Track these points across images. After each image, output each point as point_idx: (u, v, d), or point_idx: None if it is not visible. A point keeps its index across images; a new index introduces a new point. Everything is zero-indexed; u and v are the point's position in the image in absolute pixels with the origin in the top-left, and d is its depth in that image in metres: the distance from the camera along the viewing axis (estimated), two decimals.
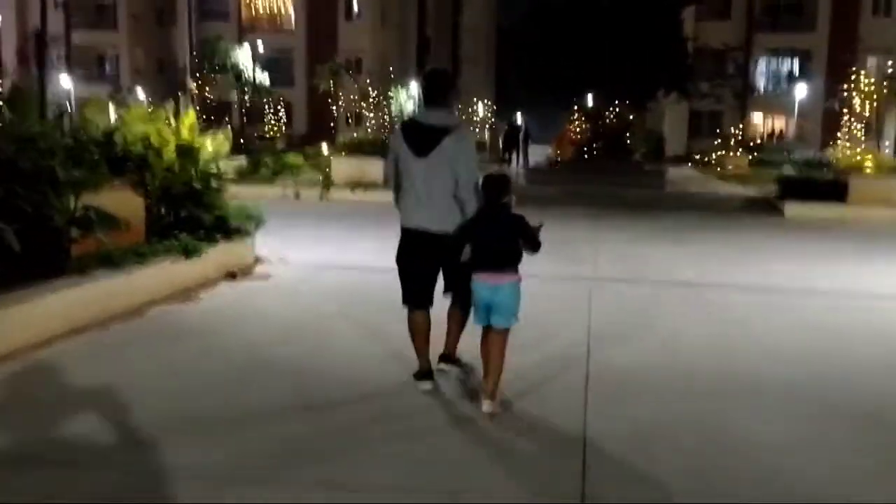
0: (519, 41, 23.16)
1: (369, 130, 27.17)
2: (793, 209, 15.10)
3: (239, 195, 16.26)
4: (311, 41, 42.77)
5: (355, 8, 44.62)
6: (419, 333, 4.59)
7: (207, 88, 22.42)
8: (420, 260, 4.53)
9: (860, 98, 15.12)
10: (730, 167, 31.40)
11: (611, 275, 8.54)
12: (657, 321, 6.50)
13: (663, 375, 5.03)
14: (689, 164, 32.84)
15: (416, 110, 5.98)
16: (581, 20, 19.85)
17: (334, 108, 33.43)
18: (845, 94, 16.97)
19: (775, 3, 42.20)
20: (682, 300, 7.39)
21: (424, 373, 4.60)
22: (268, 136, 36.94)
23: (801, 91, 40.11)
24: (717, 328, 6.31)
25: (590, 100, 21.93)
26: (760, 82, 42.97)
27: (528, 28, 22.26)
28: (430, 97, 4.41)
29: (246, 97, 20.22)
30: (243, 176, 17.11)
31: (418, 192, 4.38)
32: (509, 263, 4.16)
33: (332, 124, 36.49)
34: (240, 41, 37.91)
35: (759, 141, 37.02)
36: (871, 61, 40.51)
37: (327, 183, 16.75)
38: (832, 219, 14.47)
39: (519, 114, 32.75)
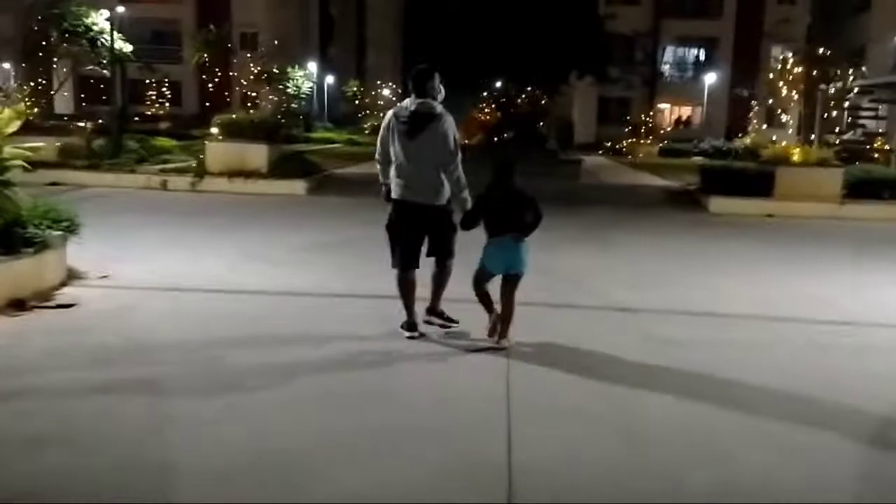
0: (426, 22, 21.24)
1: (254, 111, 24.71)
2: (718, 204, 13.91)
3: (93, 184, 14.36)
4: (202, 13, 39.41)
5: None
6: (410, 291, 5.36)
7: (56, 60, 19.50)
8: (411, 227, 5.25)
9: (784, 85, 14.08)
10: (640, 155, 30.72)
11: (530, 296, 6.82)
12: (598, 381, 4.77)
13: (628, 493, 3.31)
14: (600, 152, 31.88)
15: (407, 99, 5.40)
16: (491, 2, 18.20)
17: (226, 86, 30.64)
18: (763, 81, 15.91)
19: None
20: (622, 334, 5.73)
21: (411, 324, 5.36)
22: (150, 115, 33.87)
23: (708, 79, 39.96)
24: (680, 385, 4.65)
25: (499, 83, 20.30)
26: (667, 69, 42.62)
27: (435, 8, 20.44)
28: (419, 90, 5.16)
29: (105, 71, 17.52)
30: (96, 164, 14.58)
31: (410, 169, 5.13)
32: (519, 229, 5.09)
33: (228, 104, 33.75)
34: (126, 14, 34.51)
35: (668, 129, 36.52)
36: (776, 50, 40.88)
37: (200, 171, 14.46)
38: (760, 215, 13.37)
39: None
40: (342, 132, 35.34)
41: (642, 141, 31.82)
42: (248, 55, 33.22)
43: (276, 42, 34.09)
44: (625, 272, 8.16)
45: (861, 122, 30.93)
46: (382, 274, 7.50)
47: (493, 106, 19.82)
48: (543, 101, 19.35)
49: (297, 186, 14.46)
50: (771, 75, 14.39)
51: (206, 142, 15.44)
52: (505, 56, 17.44)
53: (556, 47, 17.55)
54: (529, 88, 18.86)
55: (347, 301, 6.46)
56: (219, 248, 8.67)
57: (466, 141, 23.06)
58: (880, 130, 28.80)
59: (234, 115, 16.24)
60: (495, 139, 19.91)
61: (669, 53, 42.71)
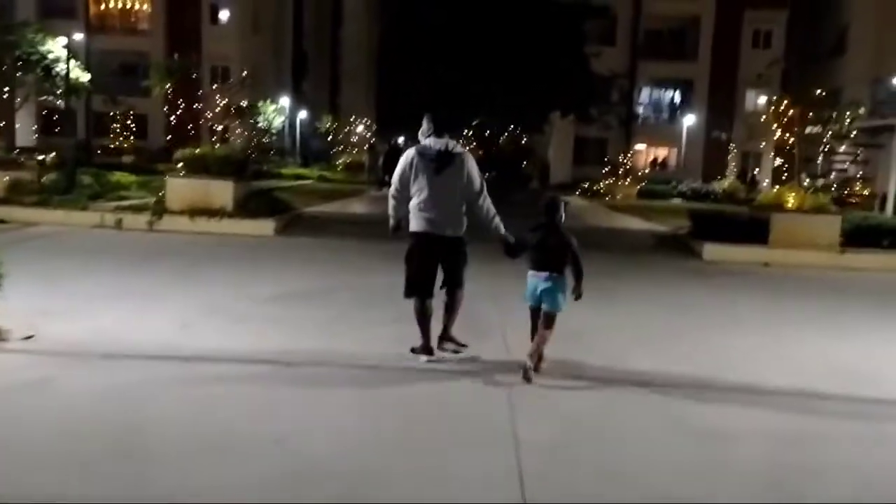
0: (403, 57, 20.41)
1: (223, 145, 23.68)
2: (711, 251, 13.16)
3: (41, 222, 13.14)
4: (171, 45, 38.44)
5: (223, 12, 40.67)
6: (428, 320, 5.71)
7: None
8: (432, 258, 5.65)
9: (778, 127, 13.51)
10: (619, 196, 30.17)
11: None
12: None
13: None
14: (577, 192, 31.30)
15: (425, 138, 5.57)
16: (471, 39, 17.46)
17: (193, 119, 29.61)
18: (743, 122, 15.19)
19: (658, 31, 41.96)
20: (651, 421, 4.81)
21: (429, 349, 5.72)
22: (113, 149, 32.68)
23: (684, 121, 39.85)
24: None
25: (479, 122, 19.54)
26: (644, 111, 42.52)
27: (413, 43, 19.62)
28: (439, 130, 5.74)
29: (60, 101, 16.45)
30: (46, 200, 13.42)
31: (436, 203, 5.58)
32: (555, 269, 5.43)
33: (196, 138, 32.67)
34: (86, 42, 33.50)
35: (646, 171, 36.17)
36: (750, 94, 41.05)
37: (159, 209, 13.39)
38: (756, 263, 12.66)
39: (401, 137, 30.20)
40: (314, 169, 34.42)
41: (620, 182, 31.31)
42: (215, 87, 32.16)
43: (245, 74, 33.14)
44: (634, 330, 7.28)
45: (839, 166, 30.82)
46: (361, 332, 6.60)
47: (474, 144, 18.95)
48: (524, 141, 18.58)
49: (266, 226, 13.46)
50: (763, 118, 13.79)
51: (166, 177, 14.38)
52: (487, 93, 16.70)
53: (541, 85, 16.86)
54: (512, 127, 18.08)
55: (322, 373, 5.45)
56: (173, 299, 7.63)
57: None
58: (858, 175, 28.65)
59: (198, 150, 15.21)
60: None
61: (646, 95, 42.65)
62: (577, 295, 5.46)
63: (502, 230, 5.74)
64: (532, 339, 5.49)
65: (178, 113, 32.97)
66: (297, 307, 7.56)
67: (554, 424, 4.55)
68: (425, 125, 5.78)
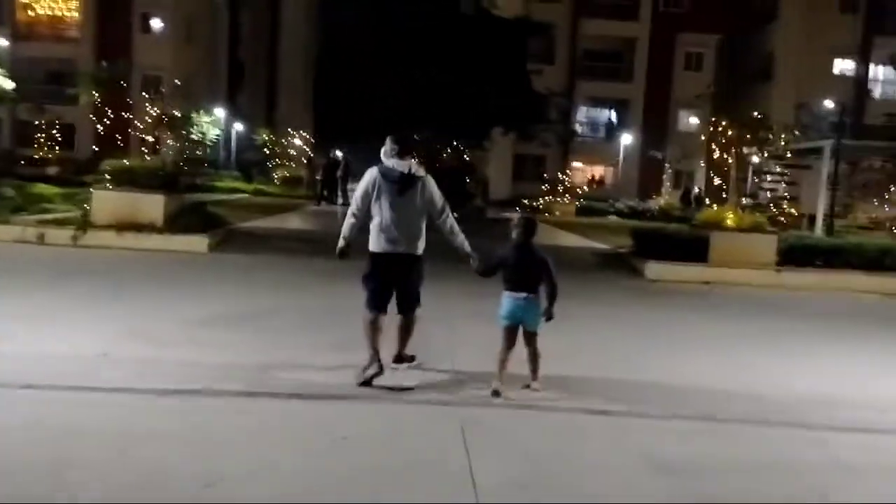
0: (343, 71, 20.03)
1: (155, 157, 22.80)
2: (654, 269, 13.16)
3: None
4: (101, 53, 37.07)
5: (155, 21, 39.53)
6: (379, 332, 5.68)
7: None
8: (391, 276, 5.72)
9: (717, 148, 13.69)
10: (558, 213, 30.34)
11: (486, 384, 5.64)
12: None
13: None
14: (517, 209, 31.30)
15: (384, 159, 5.75)
16: (412, 53, 17.20)
17: (123, 129, 28.50)
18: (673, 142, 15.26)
19: (596, 51, 42.66)
20: (613, 453, 4.57)
21: (378, 364, 5.55)
22: (38, 159, 31.26)
23: (621, 139, 40.54)
24: None
25: (421, 137, 19.25)
26: (582, 129, 43.07)
27: (353, 57, 19.27)
28: (402, 151, 5.78)
29: None
30: None
31: (398, 223, 5.66)
32: (533, 289, 5.56)
33: (125, 149, 31.49)
34: (11, 49, 32.05)
35: (584, 188, 36.54)
36: (683, 115, 42.04)
37: (84, 223, 12.66)
38: (697, 281, 12.71)
39: (339, 150, 29.68)
40: (250, 182, 33.58)
41: (559, 199, 31.52)
42: (145, 95, 31.01)
43: (176, 82, 32.14)
44: (590, 354, 7.07)
45: (768, 186, 31.70)
46: (300, 359, 6.08)
47: (416, 161, 18.74)
48: (467, 157, 18.41)
49: (198, 242, 12.85)
50: (703, 137, 13.95)
51: (92, 190, 13.64)
52: (430, 107, 16.45)
53: (484, 101, 16.71)
54: (455, 143, 17.85)
55: (257, 405, 5.03)
56: (96, 321, 7.07)
57: None
58: (786, 195, 29.50)
59: (126, 161, 14.52)
60: None
61: (583, 113, 43.24)
62: (549, 316, 5.54)
63: (468, 248, 5.88)
64: (504, 356, 5.53)
65: (106, 123, 31.75)
66: (228, 331, 7.08)
67: (512, 462, 4.25)
68: (388, 146, 5.81)
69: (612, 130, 42.92)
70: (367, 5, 20.26)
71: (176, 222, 13.27)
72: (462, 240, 5.88)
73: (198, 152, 31.47)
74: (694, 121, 42.16)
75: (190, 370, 5.66)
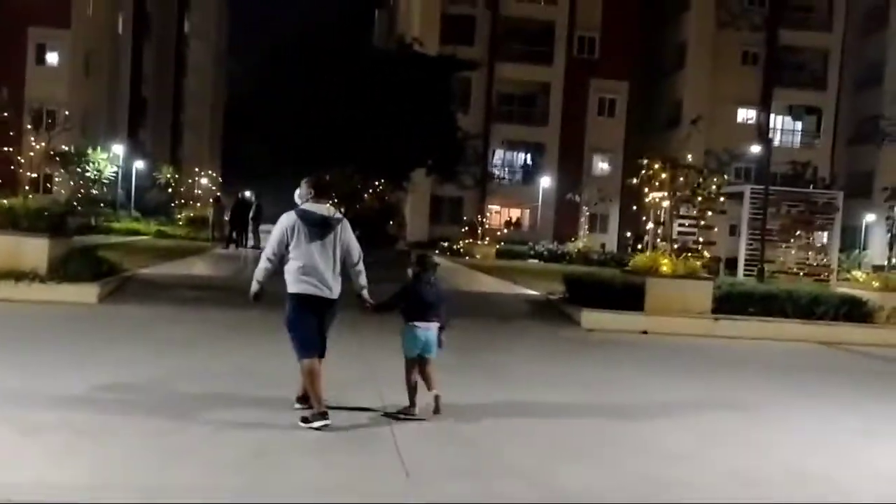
0: (254, 106, 18.79)
1: (41, 196, 20.82)
2: (590, 318, 12.48)
3: None
4: None
5: (51, 54, 37.21)
6: (321, 377, 5.62)
7: None
8: (317, 319, 5.71)
9: (649, 191, 13.31)
10: (478, 255, 29.73)
11: (440, 489, 4.64)
12: None
13: None
14: (436, 251, 30.56)
15: (301, 201, 5.80)
16: (329, 91, 16.22)
17: (6, 166, 26.09)
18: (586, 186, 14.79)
19: (511, 95, 42.91)
20: None
21: (325, 413, 5.54)
22: None
23: (537, 182, 40.61)
24: None
25: (337, 175, 18.19)
26: (498, 172, 43.02)
27: (265, 93, 18.07)
28: (319, 194, 5.81)
29: None
30: None
31: (320, 266, 5.65)
32: (436, 316, 5.97)
33: (12, 187, 28.94)
34: None
35: (503, 230, 36.19)
36: (597, 159, 42.63)
37: None
38: (634, 331, 12.12)
39: (248, 191, 28.23)
40: (152, 223, 31.54)
41: (479, 241, 30.95)
42: (28, 127, 28.61)
43: (66, 114, 29.97)
44: (534, 425, 6.16)
45: (683, 230, 32.10)
46: (206, 450, 4.78)
47: (334, 200, 17.58)
48: (387, 198, 17.49)
49: (87, 292, 11.33)
50: (635, 180, 13.61)
51: None
52: (349, 145, 15.48)
53: (408, 140, 15.88)
54: (377, 183, 16.89)
55: None
56: None
57: None
58: (700, 239, 29.87)
59: (5, 201, 12.88)
60: None
61: (499, 156, 43.23)
62: (440, 344, 6.04)
63: (366, 293, 5.93)
64: (414, 380, 5.96)
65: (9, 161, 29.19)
66: (113, 410, 5.75)
67: None
68: (304, 189, 5.79)
69: (528, 173, 43.02)
70: (280, 42, 19.22)
71: (62, 269, 11.72)
72: (364, 283, 5.93)
73: (93, 191, 29.29)
74: (606, 166, 42.86)
75: (58, 469, 4.39)
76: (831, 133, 44.23)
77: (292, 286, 5.62)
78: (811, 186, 29.96)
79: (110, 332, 9.16)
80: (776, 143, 43.11)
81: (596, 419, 6.52)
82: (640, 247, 17.12)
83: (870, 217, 40.70)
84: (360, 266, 5.87)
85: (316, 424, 5.43)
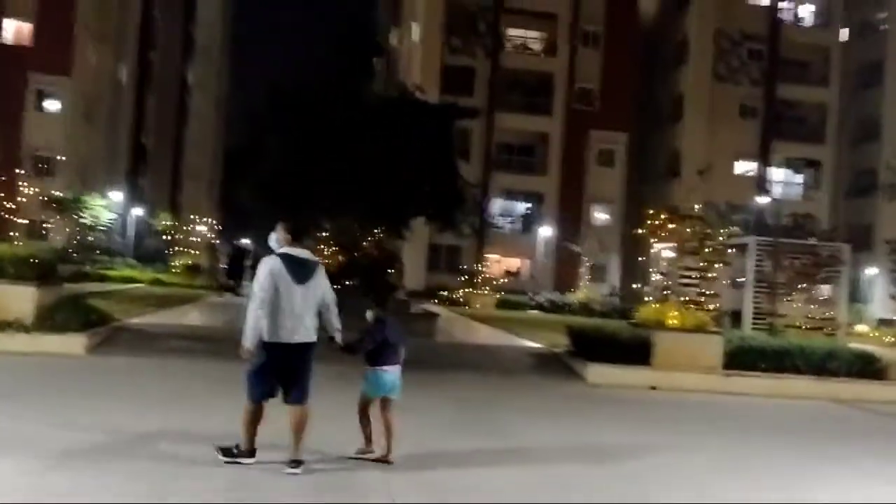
0: (255, 155, 18.59)
1: (19, 241, 20.47)
2: (596, 373, 12.05)
3: None
4: None
5: (51, 100, 37.32)
6: (259, 421, 5.63)
7: None
8: (287, 364, 5.63)
9: (657, 241, 13.04)
10: (477, 305, 29.31)
11: None
12: None
13: None
14: (434, 301, 30.20)
15: (276, 245, 5.82)
16: (331, 138, 16.04)
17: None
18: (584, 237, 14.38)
19: (510, 145, 43.00)
20: None
21: (252, 452, 5.64)
22: None
23: (536, 231, 40.40)
24: None
25: (338, 225, 17.88)
26: (497, 221, 42.83)
27: (266, 141, 17.95)
28: (298, 238, 5.86)
29: None
30: None
31: (297, 312, 5.62)
32: (399, 358, 6.09)
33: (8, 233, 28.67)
34: None
35: (503, 280, 35.81)
36: (597, 209, 42.51)
37: None
38: (642, 386, 11.68)
39: (246, 238, 27.96)
40: (148, 270, 31.15)
41: (478, 291, 30.58)
42: (19, 172, 28.43)
43: (62, 159, 29.75)
44: (551, 491, 5.70)
45: (686, 281, 31.75)
46: None
47: (333, 248, 17.15)
48: (387, 245, 17.19)
49: (74, 343, 10.89)
50: (640, 230, 13.33)
51: None
52: (350, 192, 15.24)
53: (412, 187, 15.65)
54: (376, 231, 16.61)
55: None
56: None
57: None
58: (703, 291, 29.49)
59: None
60: (336, 287, 16.95)
61: (498, 205, 43.08)
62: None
63: (339, 336, 5.91)
64: (368, 421, 5.95)
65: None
66: (93, 474, 5.28)
67: None
68: (280, 234, 5.76)
69: (527, 223, 42.82)
70: (277, 88, 19.07)
71: (50, 319, 11.31)
72: (339, 327, 5.90)
73: (89, 238, 28.96)
74: (605, 216, 42.71)
75: None
76: (830, 186, 44.29)
77: (273, 334, 5.58)
78: (812, 239, 29.71)
79: (95, 387, 8.72)
80: (776, 195, 43.21)
81: (604, 484, 6.06)
82: (647, 298, 16.75)
83: (871, 270, 40.43)
84: (335, 308, 5.90)
85: (245, 461, 5.56)
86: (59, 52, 36.01)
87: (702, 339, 12.82)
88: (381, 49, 26.96)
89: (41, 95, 37.25)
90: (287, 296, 5.57)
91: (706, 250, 13.73)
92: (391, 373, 5.96)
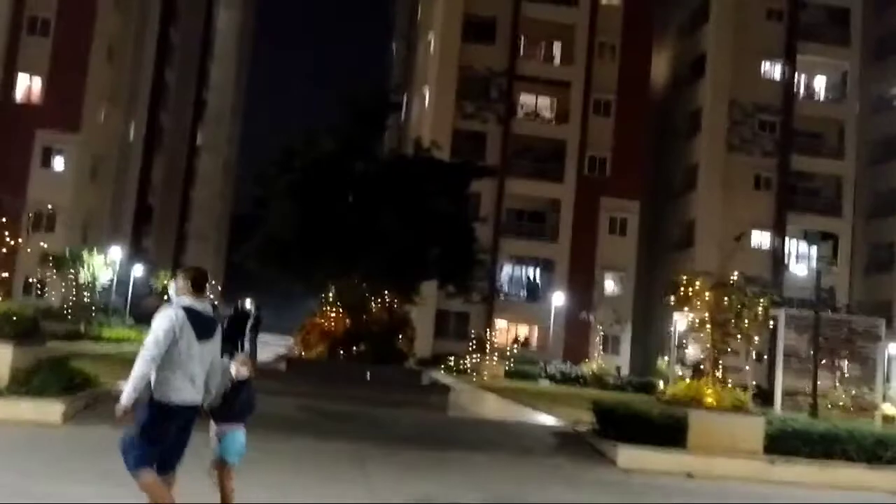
0: (258, 211, 17.92)
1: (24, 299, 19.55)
2: (628, 457, 10.87)
3: None
4: None
5: (58, 157, 36.98)
6: (170, 487, 5.29)
7: None
8: (180, 428, 5.24)
9: (690, 311, 12.08)
10: (486, 375, 28.10)
11: None
12: None
13: None
14: (441, 368, 29.02)
15: (183, 297, 5.24)
16: (342, 200, 15.33)
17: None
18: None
19: (521, 210, 42.36)
20: None
21: None
22: None
23: (546, 299, 39.30)
24: None
25: (345, 287, 16.94)
26: (506, 287, 41.83)
27: (273, 203, 17.25)
28: (200, 289, 5.37)
29: None
30: None
31: (194, 371, 5.22)
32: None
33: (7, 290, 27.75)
34: None
35: (514, 349, 34.61)
36: (609, 276, 41.55)
37: None
38: (678, 472, 10.52)
39: (249, 299, 26.95)
40: (145, 330, 30.10)
41: (487, 360, 29.38)
42: (15, 227, 27.61)
43: (62, 218, 29.05)
44: None
45: (695, 355, 30.54)
46: None
47: (340, 311, 16.12)
48: (396, 310, 16.25)
49: (51, 410, 9.83)
50: (672, 299, 12.41)
51: None
52: (358, 252, 14.38)
53: (422, 249, 14.78)
54: (385, 293, 15.67)
55: None
56: None
57: (303, 353, 18.36)
58: (722, 364, 28.26)
59: None
60: (342, 352, 15.88)
61: (507, 272, 42.15)
62: None
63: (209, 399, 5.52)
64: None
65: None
66: None
67: None
68: (181, 283, 5.35)
69: (537, 290, 41.77)
70: (286, 147, 18.51)
71: (27, 382, 10.29)
72: (219, 388, 5.55)
73: (86, 296, 28.06)
74: (617, 285, 41.66)
75: None
76: (848, 259, 43.32)
77: (166, 393, 5.13)
78: (840, 312, 28.61)
79: (68, 461, 7.66)
80: (792, 269, 42.19)
81: None
82: (679, 373, 15.62)
83: (893, 347, 39.14)
84: (221, 374, 5.63)
85: None
86: (69, 110, 35.83)
87: (742, 420, 11.70)
88: (396, 106, 26.45)
89: (48, 152, 36.90)
90: (187, 352, 5.18)
91: (744, 322, 12.64)
92: (238, 433, 5.65)
